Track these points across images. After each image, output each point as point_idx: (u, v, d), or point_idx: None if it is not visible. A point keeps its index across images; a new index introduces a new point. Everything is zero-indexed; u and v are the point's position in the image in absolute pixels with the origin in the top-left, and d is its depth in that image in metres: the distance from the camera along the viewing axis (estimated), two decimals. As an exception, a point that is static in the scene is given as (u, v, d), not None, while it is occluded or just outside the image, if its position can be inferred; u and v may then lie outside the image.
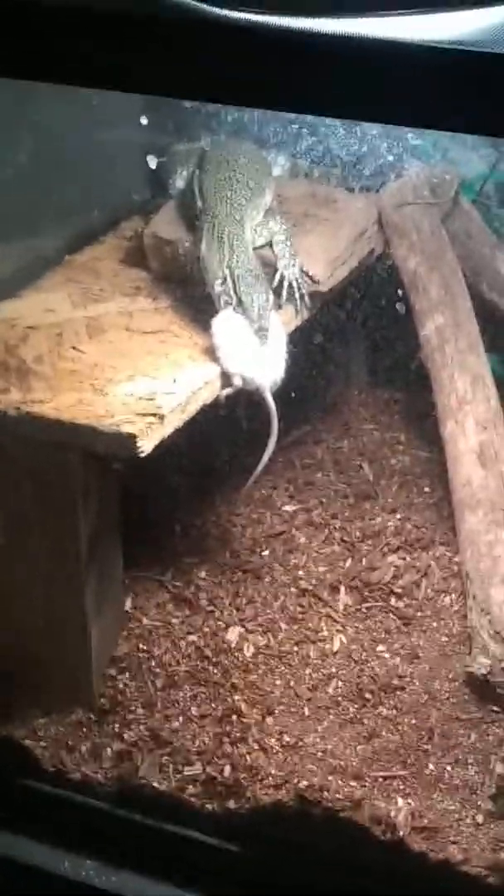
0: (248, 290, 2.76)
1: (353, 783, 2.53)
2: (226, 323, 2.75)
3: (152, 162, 3.10)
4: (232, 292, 2.77)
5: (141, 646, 2.81)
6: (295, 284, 2.93)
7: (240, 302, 2.75)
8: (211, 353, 2.73)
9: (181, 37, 1.79)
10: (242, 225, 2.91)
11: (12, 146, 2.90)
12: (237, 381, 2.68)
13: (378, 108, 1.79)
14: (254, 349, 2.72)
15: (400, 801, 2.49)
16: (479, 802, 2.51)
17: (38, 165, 2.94)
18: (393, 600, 2.92)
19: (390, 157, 3.07)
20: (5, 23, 1.89)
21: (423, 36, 1.70)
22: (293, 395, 2.78)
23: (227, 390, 2.69)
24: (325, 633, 2.86)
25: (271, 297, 2.80)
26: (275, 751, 2.60)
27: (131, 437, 2.47)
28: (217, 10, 1.75)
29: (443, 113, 1.75)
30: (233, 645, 2.82)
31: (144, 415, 2.52)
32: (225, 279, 2.79)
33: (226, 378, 2.69)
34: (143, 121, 3.00)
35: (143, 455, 2.49)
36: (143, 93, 1.97)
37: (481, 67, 1.68)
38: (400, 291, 3.21)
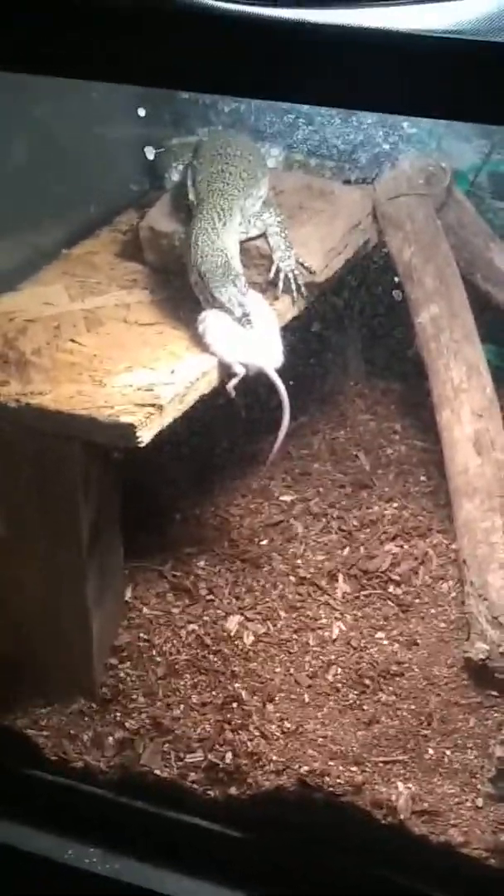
0: (217, 286, 2.77)
1: (353, 768, 2.55)
2: (208, 319, 2.76)
3: (150, 153, 3.11)
4: (205, 290, 2.79)
5: (141, 635, 2.83)
6: (291, 275, 2.95)
7: (213, 298, 2.77)
8: (205, 347, 2.75)
9: (182, 28, 1.81)
10: (224, 218, 2.91)
11: (9, 140, 2.91)
12: (238, 369, 2.70)
13: (379, 97, 1.82)
14: (243, 336, 2.74)
15: (400, 786, 2.52)
16: (478, 786, 2.53)
17: (36, 160, 2.95)
18: (391, 587, 2.94)
19: (386, 147, 3.09)
20: (4, 16, 1.91)
21: (421, 25, 1.72)
22: (291, 383, 2.80)
23: (233, 381, 2.71)
24: (324, 621, 2.88)
25: (242, 282, 2.79)
26: (275, 737, 2.62)
27: (130, 428, 2.49)
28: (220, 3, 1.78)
29: (442, 101, 1.78)
30: (232, 633, 2.84)
31: (143, 405, 2.54)
32: (197, 280, 2.81)
33: (225, 369, 2.71)
34: (141, 112, 3.01)
35: (142, 445, 2.51)
36: (148, 85, 1.98)
37: (480, 56, 1.71)
38: (395, 282, 3.22)
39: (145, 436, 2.51)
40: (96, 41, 1.89)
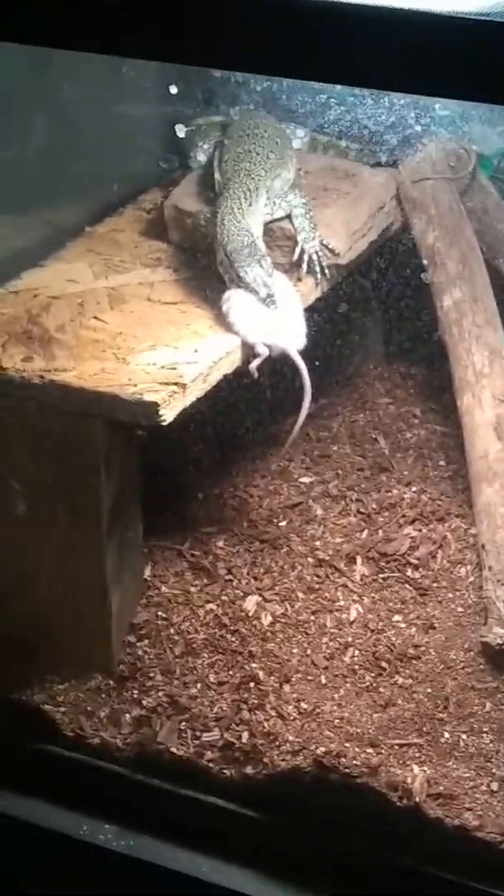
0: (243, 266, 2.77)
1: (369, 750, 2.55)
2: (233, 299, 2.76)
3: (181, 131, 3.11)
4: (230, 269, 2.78)
5: (160, 613, 2.84)
6: (315, 257, 2.95)
7: (239, 278, 2.77)
8: (229, 327, 2.75)
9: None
10: (248, 198, 2.90)
11: (35, 116, 2.91)
12: (261, 349, 2.70)
13: (408, 78, 1.82)
14: (267, 316, 2.74)
15: (416, 769, 2.52)
16: (493, 770, 2.54)
17: (62, 136, 2.95)
18: (409, 571, 2.94)
19: (415, 129, 3.08)
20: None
21: (450, 7, 1.73)
22: (317, 363, 2.80)
23: (256, 361, 2.71)
24: (342, 603, 2.88)
25: (268, 263, 2.80)
26: (292, 718, 2.63)
27: (154, 406, 2.50)
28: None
29: (468, 82, 1.78)
30: (250, 613, 2.84)
31: (167, 384, 2.54)
32: (223, 259, 2.81)
33: (248, 349, 2.71)
34: (173, 90, 3.01)
35: (164, 423, 2.51)
36: (175, 62, 1.98)
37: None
38: (419, 265, 3.22)
39: (168, 414, 2.51)
40: (105, 14, 1.89)
